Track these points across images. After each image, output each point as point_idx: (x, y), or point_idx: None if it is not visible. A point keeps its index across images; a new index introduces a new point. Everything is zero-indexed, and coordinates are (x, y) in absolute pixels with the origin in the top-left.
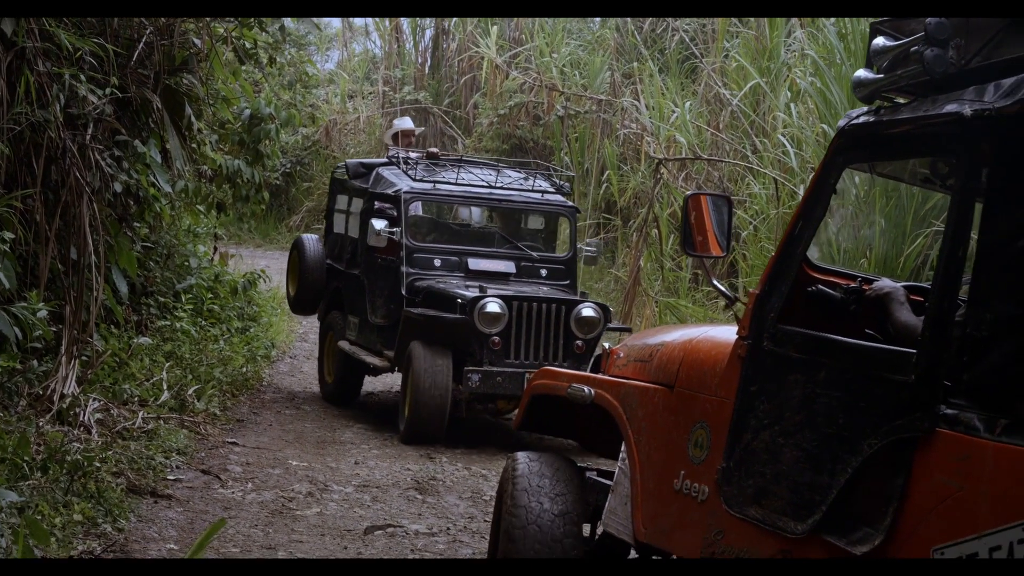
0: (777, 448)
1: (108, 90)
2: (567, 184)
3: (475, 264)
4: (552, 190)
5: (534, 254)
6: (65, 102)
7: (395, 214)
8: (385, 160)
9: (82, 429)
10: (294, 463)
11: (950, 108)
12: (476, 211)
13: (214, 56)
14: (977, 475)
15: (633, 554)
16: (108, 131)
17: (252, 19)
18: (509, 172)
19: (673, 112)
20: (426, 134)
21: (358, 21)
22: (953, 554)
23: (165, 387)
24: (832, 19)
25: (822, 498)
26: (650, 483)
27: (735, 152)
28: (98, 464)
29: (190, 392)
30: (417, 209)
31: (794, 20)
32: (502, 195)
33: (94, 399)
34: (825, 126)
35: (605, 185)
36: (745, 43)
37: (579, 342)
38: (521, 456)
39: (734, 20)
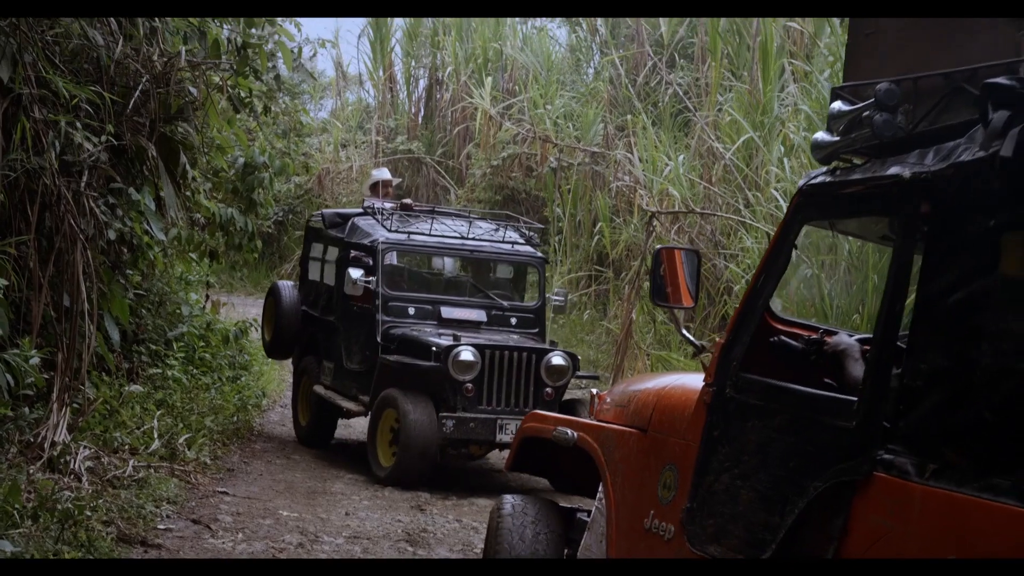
0: (735, 490)
1: (104, 138)
2: (536, 235)
3: (448, 312)
4: (522, 241)
5: (504, 303)
6: (60, 149)
7: (371, 263)
8: (360, 211)
9: (72, 477)
10: (284, 513)
11: (893, 170)
12: (449, 261)
13: (209, 104)
14: (907, 517)
15: None
16: (103, 178)
17: (247, 68)
18: (480, 223)
19: (666, 165)
20: (418, 184)
21: (352, 70)
22: None
23: (156, 435)
24: (826, 74)
25: (772, 537)
26: (624, 522)
27: (728, 206)
28: (89, 513)
29: (181, 441)
30: (392, 259)
31: (787, 74)
32: (474, 246)
33: (85, 447)
34: None
35: (597, 237)
36: (738, 97)
37: (549, 389)
38: (507, 499)
39: (727, 74)
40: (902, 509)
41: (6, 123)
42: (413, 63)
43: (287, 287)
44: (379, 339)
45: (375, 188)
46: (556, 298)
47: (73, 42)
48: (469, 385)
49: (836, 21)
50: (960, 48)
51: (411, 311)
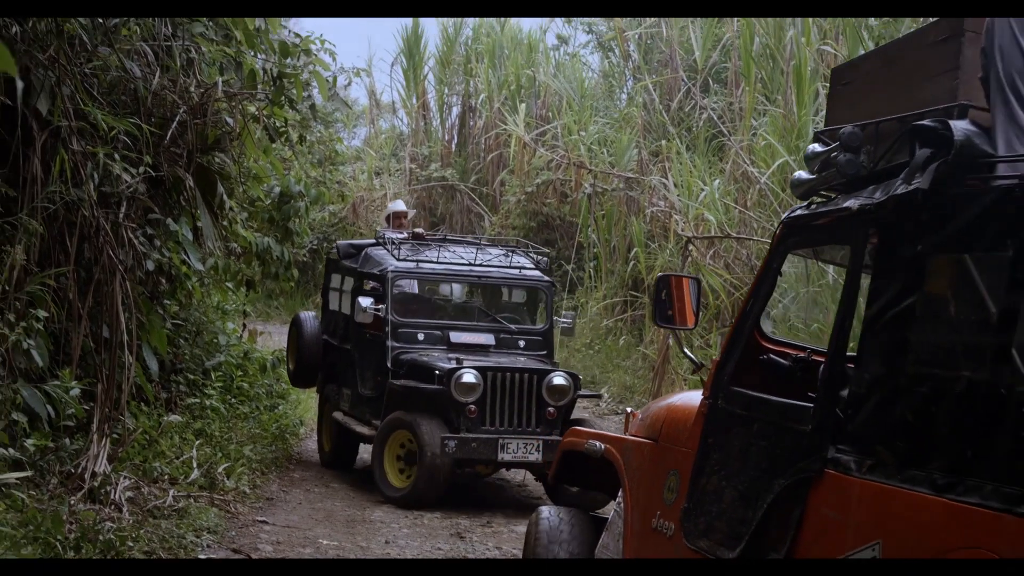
0: (722, 490)
1: (141, 169)
2: (544, 260)
3: (456, 337)
4: (531, 266)
5: (512, 327)
6: (99, 181)
7: (381, 291)
8: (373, 241)
9: (113, 507)
10: (324, 542)
11: (848, 203)
12: (457, 287)
13: (246, 134)
14: (847, 507)
15: None
16: (141, 209)
17: (282, 97)
18: (491, 250)
19: (702, 190)
20: (452, 211)
21: (385, 98)
22: None
23: (195, 465)
24: None
25: (746, 529)
26: (636, 522)
27: (764, 230)
28: (130, 543)
29: (220, 470)
30: (401, 287)
31: (822, 98)
32: (481, 272)
33: (125, 477)
34: None
35: (633, 263)
36: (773, 121)
37: (551, 408)
38: (544, 510)
39: (761, 98)
40: (844, 500)
41: (45, 155)
42: (446, 90)
43: (308, 317)
44: (389, 365)
45: (391, 219)
46: (564, 320)
47: (111, 74)
48: (472, 407)
49: (871, 45)
50: (915, 94)
51: (420, 337)
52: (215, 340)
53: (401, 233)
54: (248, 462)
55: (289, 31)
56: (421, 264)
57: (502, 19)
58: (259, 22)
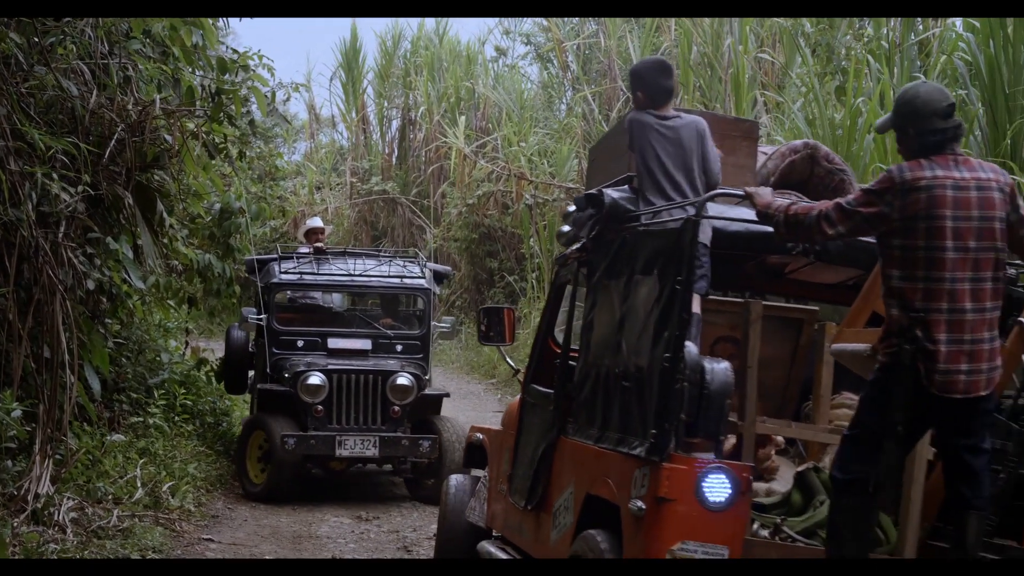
0: (523, 458)
1: (80, 188)
2: (449, 270)
3: (334, 343)
4: (416, 275)
5: (389, 332)
6: (37, 200)
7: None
8: (275, 256)
9: (57, 529)
10: (271, 559)
11: (568, 250)
12: (337, 296)
13: (185, 152)
14: (564, 460)
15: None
16: (80, 229)
17: (221, 113)
18: (388, 260)
19: None
20: (393, 224)
21: (325, 112)
22: (557, 505)
23: (139, 484)
24: (798, 104)
25: (528, 484)
26: (493, 488)
27: None
28: None
29: (164, 488)
30: (283, 297)
31: (760, 105)
32: (361, 281)
33: (69, 498)
34: None
35: None
36: None
37: (396, 407)
38: (453, 478)
39: (700, 107)
40: (564, 456)
41: None
42: (385, 103)
43: (236, 329)
44: (268, 370)
45: (309, 235)
46: (443, 325)
47: (47, 93)
48: (319, 406)
49: (808, 52)
50: (615, 170)
51: (300, 344)
52: (157, 358)
53: (306, 247)
54: (193, 480)
55: (227, 47)
56: (304, 276)
57: (440, 32)
58: (196, 38)
